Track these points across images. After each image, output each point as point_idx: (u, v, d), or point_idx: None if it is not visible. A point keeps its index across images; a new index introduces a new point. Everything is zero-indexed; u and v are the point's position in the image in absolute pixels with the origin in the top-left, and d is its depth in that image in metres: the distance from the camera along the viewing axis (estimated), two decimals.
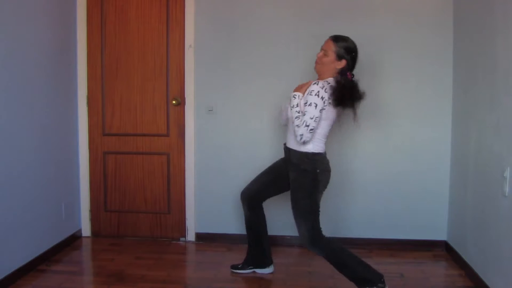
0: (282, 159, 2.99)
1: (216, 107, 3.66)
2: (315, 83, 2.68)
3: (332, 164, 3.59)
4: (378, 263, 3.30)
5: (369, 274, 2.67)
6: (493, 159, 2.69)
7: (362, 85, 3.50)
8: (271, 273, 3.17)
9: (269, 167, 3.05)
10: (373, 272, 2.68)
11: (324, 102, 2.65)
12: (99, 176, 3.85)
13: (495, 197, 2.65)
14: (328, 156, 3.59)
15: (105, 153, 3.84)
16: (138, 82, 3.75)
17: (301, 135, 2.65)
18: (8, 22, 2.87)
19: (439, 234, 3.57)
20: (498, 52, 2.64)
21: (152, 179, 3.81)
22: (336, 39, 2.80)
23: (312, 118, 2.63)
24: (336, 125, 3.58)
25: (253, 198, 3.06)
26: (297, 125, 2.67)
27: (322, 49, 2.82)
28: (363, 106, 3.54)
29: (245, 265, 3.18)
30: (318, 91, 2.63)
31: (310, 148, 2.73)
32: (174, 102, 3.70)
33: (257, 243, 3.13)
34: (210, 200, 3.73)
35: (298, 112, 2.69)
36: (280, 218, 3.64)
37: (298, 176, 2.75)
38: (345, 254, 2.72)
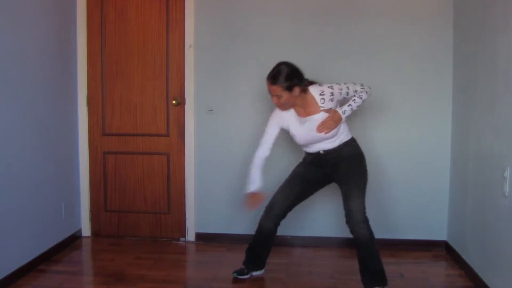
0: (306, 166, 2.98)
1: (216, 107, 3.66)
2: (328, 92, 2.78)
3: None
4: None
5: (385, 272, 2.77)
6: (493, 159, 2.69)
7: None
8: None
9: (293, 177, 3.00)
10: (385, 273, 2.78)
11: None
12: (99, 176, 3.85)
13: (495, 197, 2.65)
14: None
15: (105, 153, 3.84)
16: (138, 82, 3.75)
17: (362, 86, 2.86)
18: (8, 22, 2.87)
19: (439, 234, 3.57)
20: (498, 52, 2.64)
21: (152, 179, 3.81)
22: (274, 80, 2.74)
23: (348, 83, 2.85)
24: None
25: (284, 214, 3.00)
26: (359, 88, 2.84)
27: (272, 95, 2.78)
28: (363, 106, 3.57)
29: (250, 270, 3.10)
30: (329, 88, 2.79)
31: (346, 136, 2.89)
32: (174, 102, 3.70)
33: (266, 250, 3.07)
34: (210, 200, 3.73)
35: (353, 101, 2.81)
36: None
37: (352, 161, 2.86)
38: (376, 243, 2.78)
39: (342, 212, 3.58)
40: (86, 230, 3.88)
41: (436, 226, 3.56)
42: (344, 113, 2.79)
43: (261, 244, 3.05)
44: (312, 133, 2.81)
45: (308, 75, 3.58)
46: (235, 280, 3.07)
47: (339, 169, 2.87)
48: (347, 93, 2.82)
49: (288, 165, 3.21)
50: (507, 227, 2.49)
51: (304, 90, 2.79)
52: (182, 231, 3.81)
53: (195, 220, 3.79)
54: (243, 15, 3.60)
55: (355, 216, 2.76)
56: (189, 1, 3.63)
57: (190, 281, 3.15)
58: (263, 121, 3.59)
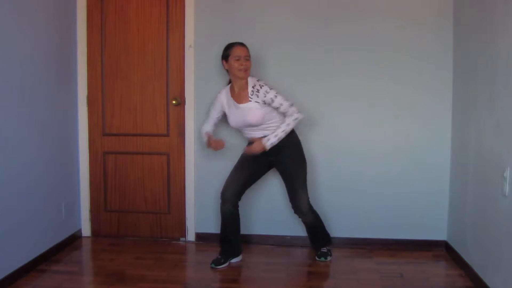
0: (249, 155, 3.20)
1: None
2: (260, 86, 3.06)
3: (331, 165, 3.61)
4: (378, 263, 3.31)
5: (329, 234, 3.41)
6: (493, 159, 2.69)
7: (363, 85, 3.54)
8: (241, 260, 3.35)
9: (241, 162, 3.28)
10: None
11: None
12: (99, 176, 3.85)
13: (495, 197, 2.65)
14: (327, 157, 3.60)
15: (105, 153, 3.84)
16: (138, 82, 3.75)
17: (296, 118, 3.08)
18: (8, 22, 2.87)
19: (439, 234, 3.57)
20: (498, 52, 2.64)
21: (152, 179, 3.81)
22: (243, 44, 3.17)
23: (286, 100, 3.07)
24: (335, 126, 3.60)
25: (238, 196, 3.26)
26: (292, 120, 3.07)
27: (241, 57, 3.10)
28: (363, 107, 3.58)
29: (227, 258, 3.27)
30: (264, 89, 3.06)
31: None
32: (174, 102, 3.70)
33: (237, 235, 3.31)
34: (210, 200, 3.73)
35: (280, 131, 3.07)
36: (280, 218, 3.65)
37: (294, 151, 3.18)
38: (319, 218, 3.33)
39: (339, 212, 3.62)
40: (86, 230, 3.88)
41: (436, 226, 3.56)
42: (268, 142, 3.07)
43: (228, 230, 3.26)
44: (240, 119, 3.13)
45: (308, 74, 3.60)
46: (235, 280, 3.07)
47: (280, 159, 3.17)
48: (272, 101, 3.06)
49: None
50: (507, 227, 2.49)
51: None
52: (182, 231, 3.81)
53: (195, 220, 3.79)
54: (243, 15, 3.60)
55: (302, 209, 3.20)
56: (189, 1, 3.63)
57: (190, 281, 3.16)
58: None
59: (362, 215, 3.62)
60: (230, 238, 3.28)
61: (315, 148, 3.56)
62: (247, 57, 3.13)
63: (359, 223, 3.63)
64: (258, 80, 3.13)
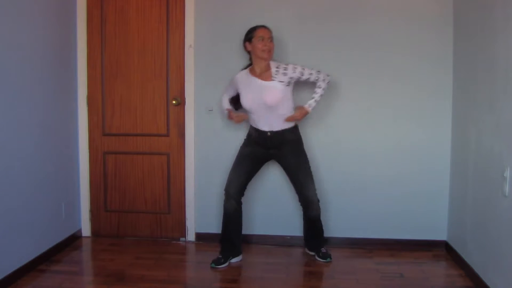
0: (252, 146, 3.27)
1: (216, 107, 3.66)
2: (285, 65, 3.17)
3: (331, 165, 3.61)
4: (378, 263, 3.31)
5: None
6: (493, 159, 2.69)
7: (363, 85, 3.54)
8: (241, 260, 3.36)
9: (242, 158, 3.29)
10: None
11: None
12: (99, 176, 3.85)
13: (495, 197, 2.65)
14: (327, 157, 3.60)
15: (105, 153, 3.84)
16: (138, 82, 3.75)
17: (326, 80, 3.20)
18: (8, 22, 2.87)
19: (439, 234, 3.57)
20: (498, 52, 2.64)
21: (152, 179, 3.81)
22: (267, 27, 3.22)
23: (312, 69, 3.19)
24: (335, 126, 3.60)
25: (242, 191, 3.29)
26: (325, 83, 3.20)
27: (265, 37, 3.16)
28: (363, 107, 3.58)
29: (227, 258, 3.27)
30: (284, 64, 3.18)
31: (292, 123, 3.24)
32: (174, 102, 3.70)
33: (239, 234, 3.33)
34: (210, 200, 3.73)
35: (316, 93, 3.19)
36: (280, 218, 3.65)
37: (296, 147, 3.24)
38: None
39: (339, 212, 3.61)
40: (86, 230, 3.88)
41: (436, 226, 3.56)
42: (310, 107, 3.18)
43: (231, 228, 3.27)
44: (257, 95, 3.13)
45: None
46: (235, 280, 3.07)
47: (284, 154, 3.23)
48: (302, 74, 3.16)
49: None
50: (507, 227, 2.49)
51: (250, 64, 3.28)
52: (182, 231, 3.81)
53: (195, 220, 3.79)
54: (243, 15, 3.60)
55: (311, 198, 3.23)
56: (189, 1, 3.63)
57: (190, 281, 3.16)
58: None
59: (362, 215, 3.62)
60: (231, 237, 3.28)
61: (315, 148, 3.55)
62: (271, 39, 3.18)
63: (359, 223, 3.63)
64: (278, 66, 3.18)
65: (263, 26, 3.21)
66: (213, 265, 3.22)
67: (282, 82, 3.13)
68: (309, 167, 3.26)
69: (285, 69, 3.14)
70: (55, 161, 3.46)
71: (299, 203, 3.34)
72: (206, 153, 3.72)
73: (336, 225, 3.60)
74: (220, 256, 3.26)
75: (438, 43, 3.47)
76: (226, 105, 3.41)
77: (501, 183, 2.57)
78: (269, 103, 3.11)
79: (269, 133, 3.19)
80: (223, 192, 3.31)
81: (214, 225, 3.70)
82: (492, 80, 2.72)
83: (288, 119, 3.17)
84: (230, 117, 3.37)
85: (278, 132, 3.19)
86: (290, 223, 3.63)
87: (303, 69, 3.17)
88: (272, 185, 3.66)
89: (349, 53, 3.53)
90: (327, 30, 3.55)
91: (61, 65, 3.54)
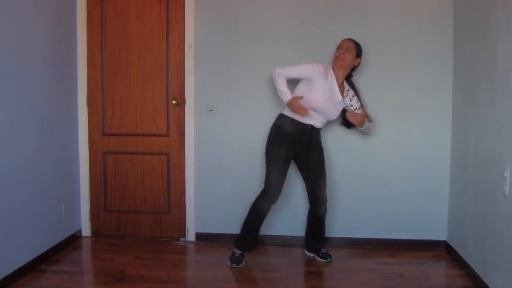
0: (285, 145, 3.18)
1: (216, 107, 3.66)
2: (352, 95, 3.28)
3: (331, 165, 3.61)
4: (378, 263, 3.31)
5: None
6: (493, 159, 2.70)
7: (362, 86, 3.54)
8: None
9: (282, 161, 3.19)
10: None
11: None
12: (99, 176, 3.85)
13: (495, 197, 2.65)
14: (327, 157, 3.61)
15: (105, 153, 3.84)
16: (138, 82, 3.75)
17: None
18: (8, 22, 2.87)
19: (439, 234, 3.57)
20: (498, 53, 2.64)
21: (152, 179, 3.81)
22: (353, 40, 3.24)
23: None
24: (335, 126, 3.60)
25: (279, 194, 3.24)
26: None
27: (342, 46, 3.19)
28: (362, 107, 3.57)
29: (249, 250, 3.31)
30: (353, 98, 3.30)
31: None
32: (174, 102, 3.70)
33: (260, 229, 3.32)
34: (210, 200, 3.73)
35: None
36: (280, 218, 3.65)
37: (320, 146, 3.32)
38: None
39: (339, 212, 3.61)
40: (86, 230, 3.88)
41: (436, 226, 3.56)
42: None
43: (259, 226, 3.28)
44: (330, 101, 3.14)
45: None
46: (235, 280, 3.07)
47: (309, 150, 3.25)
48: (352, 105, 3.30)
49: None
50: (507, 227, 2.50)
51: (350, 75, 3.33)
52: (182, 231, 3.81)
53: (195, 220, 3.79)
54: (243, 15, 3.60)
55: (324, 196, 3.29)
56: (189, 1, 3.63)
57: (190, 281, 3.16)
58: (263, 121, 3.61)
59: (362, 215, 3.62)
60: (254, 236, 3.30)
61: None
62: (349, 49, 3.18)
63: (359, 223, 3.63)
64: (349, 89, 3.28)
65: (348, 38, 3.24)
66: (234, 265, 3.20)
67: (345, 104, 3.25)
68: (326, 169, 3.32)
69: (350, 99, 3.27)
70: (55, 161, 3.46)
71: (308, 201, 3.33)
72: (206, 153, 3.72)
73: (336, 225, 3.60)
74: (238, 255, 3.24)
75: (438, 44, 3.47)
76: (287, 89, 3.10)
77: (501, 183, 2.57)
78: (331, 115, 3.21)
79: (310, 127, 3.20)
80: (262, 191, 3.19)
81: (214, 225, 3.70)
82: (492, 80, 2.73)
83: (350, 116, 3.23)
84: (299, 107, 3.02)
85: (316, 129, 3.25)
86: (291, 223, 3.63)
87: (357, 102, 3.29)
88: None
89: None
90: (327, 30, 3.55)
91: (61, 65, 3.54)
